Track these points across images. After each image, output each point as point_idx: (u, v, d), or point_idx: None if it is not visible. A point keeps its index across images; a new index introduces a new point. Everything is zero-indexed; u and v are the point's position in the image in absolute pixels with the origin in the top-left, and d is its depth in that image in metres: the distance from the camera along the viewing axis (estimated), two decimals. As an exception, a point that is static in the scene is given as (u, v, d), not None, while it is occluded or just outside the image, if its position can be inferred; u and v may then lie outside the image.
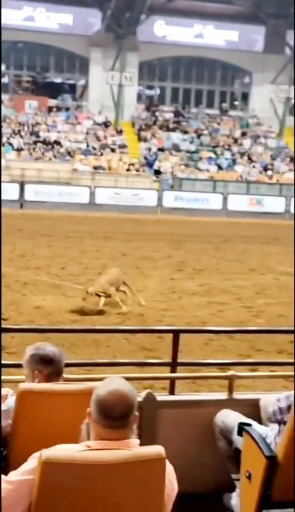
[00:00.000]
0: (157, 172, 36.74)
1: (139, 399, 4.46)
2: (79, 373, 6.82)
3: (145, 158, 38.02)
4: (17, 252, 18.90)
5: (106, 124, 40.73)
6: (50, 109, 40.99)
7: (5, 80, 42.96)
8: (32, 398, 3.69)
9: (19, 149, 36.54)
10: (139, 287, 14.93)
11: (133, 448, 2.70)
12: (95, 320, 11.83)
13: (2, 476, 2.87)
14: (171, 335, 6.85)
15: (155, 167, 37.36)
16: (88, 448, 2.70)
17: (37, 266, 16.80)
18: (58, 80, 43.34)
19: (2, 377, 5.88)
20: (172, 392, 5.93)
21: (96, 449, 2.68)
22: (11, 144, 36.68)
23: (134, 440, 2.77)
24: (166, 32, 42.69)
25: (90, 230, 24.57)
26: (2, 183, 32.05)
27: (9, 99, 41.49)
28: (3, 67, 42.87)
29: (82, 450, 2.68)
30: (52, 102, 41.42)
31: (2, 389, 4.47)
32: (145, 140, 39.99)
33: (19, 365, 7.05)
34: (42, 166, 34.81)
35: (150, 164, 37.50)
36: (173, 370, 6.20)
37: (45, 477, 2.61)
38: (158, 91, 45.62)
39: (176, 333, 6.21)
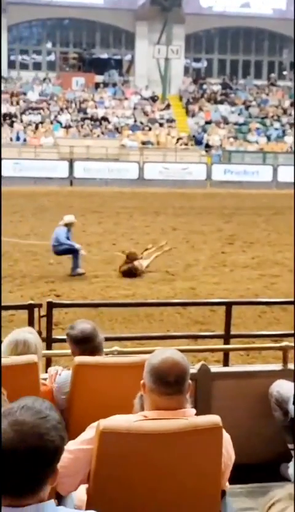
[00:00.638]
0: (208, 147, 36.43)
1: (194, 370, 4.47)
2: (133, 347, 6.89)
3: (194, 136, 37.67)
4: (68, 229, 19.01)
5: (153, 99, 40.51)
6: (97, 85, 40.95)
7: (51, 57, 43.06)
8: (87, 371, 3.74)
9: (67, 127, 36.66)
10: (189, 261, 14.95)
11: (189, 417, 2.72)
12: (147, 294, 11.89)
13: (61, 446, 2.92)
14: (223, 309, 6.85)
15: (204, 142, 37.04)
16: (145, 418, 2.73)
17: (89, 243, 16.89)
18: (104, 56, 43.19)
19: (58, 351, 5.98)
20: (226, 364, 5.94)
21: (153, 419, 2.70)
22: (59, 122, 36.82)
23: (191, 410, 2.79)
24: (212, 2, 42.01)
25: (139, 206, 24.58)
26: (52, 161, 32.33)
27: (56, 76, 41.61)
28: (49, 44, 42.95)
29: (138, 420, 2.71)
30: (99, 78, 41.35)
31: (52, 368, 4.54)
32: (193, 114, 39.68)
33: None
34: (90, 143, 34.87)
35: (198, 141, 37.16)
36: (227, 343, 6.21)
37: (103, 447, 2.65)
38: (205, 63, 45.12)
39: (229, 306, 6.22)
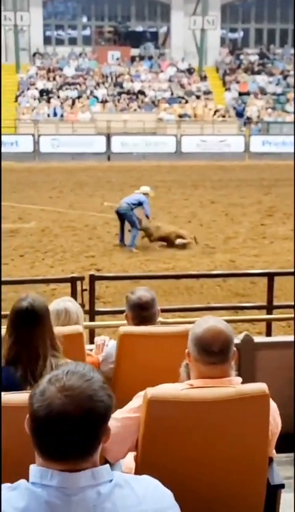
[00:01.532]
0: (249, 119, 35.96)
1: (237, 341, 4.48)
2: (173, 319, 6.90)
3: (234, 108, 37.21)
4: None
5: (189, 71, 40.11)
6: (132, 58, 40.67)
7: (87, 32, 42.87)
8: (132, 340, 3.77)
9: (104, 101, 36.55)
10: (229, 234, 14.89)
11: (236, 385, 2.73)
12: (187, 267, 11.90)
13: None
14: (264, 281, 6.82)
15: (245, 114, 36.55)
16: (191, 386, 2.74)
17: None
18: (140, 28, 42.86)
19: (100, 323, 6.05)
20: (269, 335, 5.93)
21: (199, 387, 2.71)
22: (96, 97, 36.72)
23: (237, 378, 2.80)
24: (248, -29, 41.34)
25: (177, 179, 24.50)
26: (89, 136, 32.34)
27: (92, 51, 41.43)
28: (84, 19, 42.73)
29: (185, 388, 2.73)
30: (135, 51, 41.05)
31: (99, 338, 4.58)
32: (230, 85, 39.20)
33: (113, 312, 7.24)
34: (127, 117, 34.72)
35: (239, 114, 36.70)
36: (269, 313, 6.20)
37: (151, 415, 2.67)
38: (241, 33, 44.43)
39: (271, 276, 6.19)
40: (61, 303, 4.09)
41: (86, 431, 1.80)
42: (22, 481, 1.84)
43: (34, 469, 1.84)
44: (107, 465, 1.88)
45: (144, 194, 14.10)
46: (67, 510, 1.77)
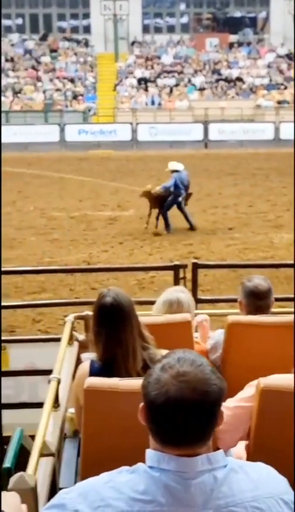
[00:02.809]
0: None
1: None
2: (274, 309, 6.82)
3: None
4: (204, 191, 19.03)
5: (289, 56, 39.37)
6: (231, 45, 40.28)
7: (185, 19, 42.73)
8: (241, 330, 3.75)
9: (201, 89, 36.42)
10: None
11: None
12: (286, 256, 11.75)
13: (219, 403, 2.96)
14: None
15: None
16: (305, 377, 2.71)
17: (225, 205, 16.85)
18: (238, 14, 42.37)
19: (202, 311, 6.04)
20: None
21: (314, 378, 2.68)
22: (193, 85, 36.63)
23: None
24: None
25: (276, 167, 24.15)
26: (186, 124, 32.31)
27: (190, 38, 41.29)
28: (183, 6, 42.59)
29: (299, 379, 2.70)
30: (233, 38, 40.63)
31: (199, 316, 4.54)
32: None
33: (215, 301, 7.22)
34: (224, 104, 34.49)
35: None
36: None
37: (264, 404, 2.66)
38: None
39: None
40: (174, 293, 4.12)
41: (204, 415, 1.82)
42: (140, 464, 1.87)
43: (150, 453, 1.87)
44: (222, 450, 1.90)
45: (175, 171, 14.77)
46: (186, 494, 1.79)
